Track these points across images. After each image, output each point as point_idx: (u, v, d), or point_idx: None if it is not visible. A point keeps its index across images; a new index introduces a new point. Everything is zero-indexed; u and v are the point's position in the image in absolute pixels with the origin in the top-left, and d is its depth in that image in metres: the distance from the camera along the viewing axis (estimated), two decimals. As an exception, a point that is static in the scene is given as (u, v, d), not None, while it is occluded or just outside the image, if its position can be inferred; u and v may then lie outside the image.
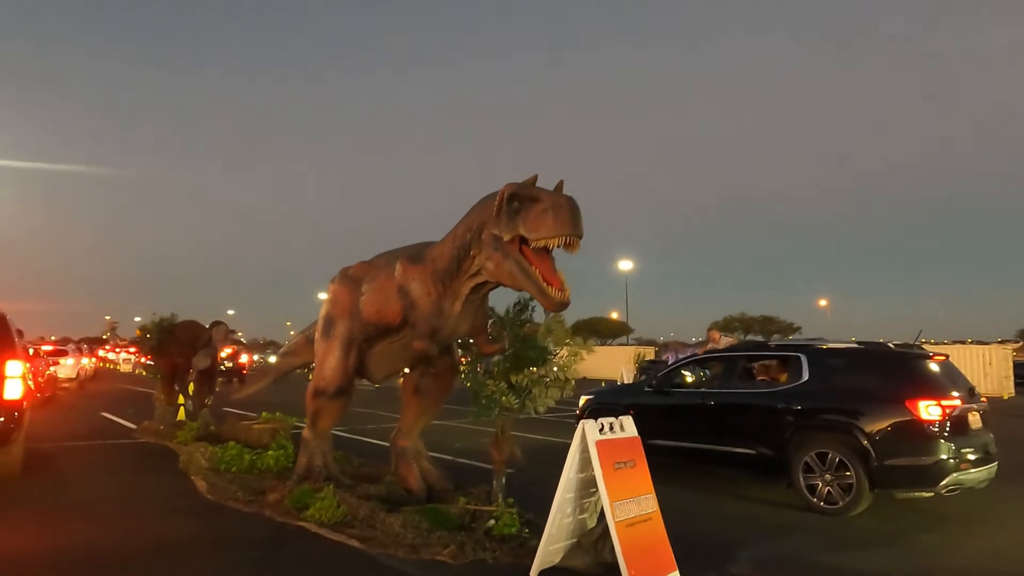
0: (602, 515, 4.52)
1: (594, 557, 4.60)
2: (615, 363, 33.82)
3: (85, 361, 27.22)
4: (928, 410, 6.34)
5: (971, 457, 6.40)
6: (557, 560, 4.67)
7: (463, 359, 7.66)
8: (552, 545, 4.60)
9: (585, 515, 4.84)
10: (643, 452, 4.83)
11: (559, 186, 5.17)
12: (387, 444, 7.12)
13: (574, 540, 4.75)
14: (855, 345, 7.54)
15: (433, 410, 6.93)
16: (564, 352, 5.63)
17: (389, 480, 6.63)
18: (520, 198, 5.07)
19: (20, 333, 9.09)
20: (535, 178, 5.17)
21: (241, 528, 5.72)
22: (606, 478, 4.38)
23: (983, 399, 7.36)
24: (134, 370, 34.52)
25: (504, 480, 5.64)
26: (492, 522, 5.37)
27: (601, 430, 4.59)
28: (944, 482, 6.22)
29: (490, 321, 6.11)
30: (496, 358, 5.64)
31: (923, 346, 8.12)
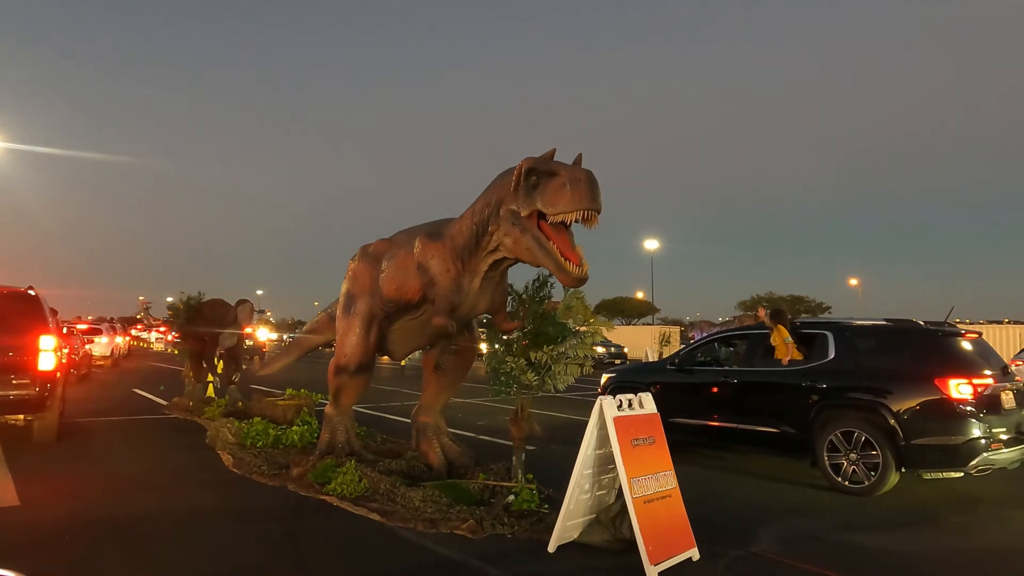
0: (620, 492, 4.50)
1: (612, 533, 4.59)
2: (641, 343, 33.85)
3: (119, 339, 27.78)
4: (958, 388, 6.18)
5: (1003, 437, 6.24)
6: (575, 536, 4.68)
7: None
8: (570, 521, 4.60)
9: (604, 491, 4.83)
10: (662, 429, 4.79)
11: (577, 160, 5.09)
12: (409, 421, 7.18)
13: (592, 516, 4.74)
14: (883, 323, 7.37)
15: (453, 387, 6.96)
16: (584, 329, 5.59)
17: (410, 456, 6.68)
18: (538, 172, 5.00)
19: (54, 312, 9.33)
20: (553, 152, 5.08)
21: (265, 501, 5.83)
22: (624, 454, 4.36)
23: (1018, 378, 7.16)
24: (166, 349, 35.26)
25: (524, 456, 5.64)
26: (511, 498, 5.38)
27: (620, 407, 4.56)
28: (974, 462, 6.08)
29: (509, 298, 6.08)
30: (515, 335, 5.61)
31: (955, 324, 7.91)
